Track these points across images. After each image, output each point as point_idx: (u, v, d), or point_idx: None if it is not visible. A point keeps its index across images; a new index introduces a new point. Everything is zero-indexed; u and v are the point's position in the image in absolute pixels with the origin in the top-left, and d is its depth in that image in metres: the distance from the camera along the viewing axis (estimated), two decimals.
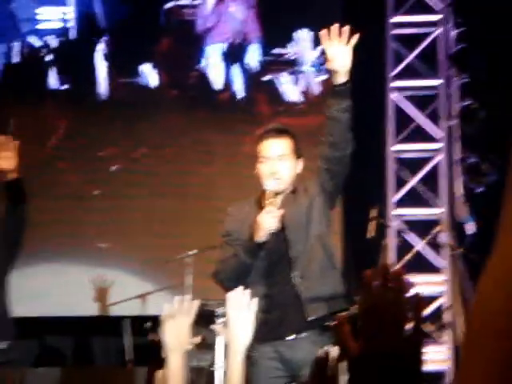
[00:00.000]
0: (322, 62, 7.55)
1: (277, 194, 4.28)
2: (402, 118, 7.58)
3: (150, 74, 7.68)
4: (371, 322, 1.26)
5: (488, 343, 0.62)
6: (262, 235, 4.19)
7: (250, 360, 4.11)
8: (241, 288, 3.24)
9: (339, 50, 4.09)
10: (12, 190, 4.35)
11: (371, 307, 1.28)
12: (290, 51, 7.66)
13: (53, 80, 7.70)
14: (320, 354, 1.88)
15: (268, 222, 4.17)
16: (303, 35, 7.63)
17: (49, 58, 7.73)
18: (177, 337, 3.14)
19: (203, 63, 7.72)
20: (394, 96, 7.61)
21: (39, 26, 7.78)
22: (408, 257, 7.29)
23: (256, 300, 3.20)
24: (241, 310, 3.15)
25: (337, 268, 4.40)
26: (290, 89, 7.64)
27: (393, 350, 1.23)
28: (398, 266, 5.38)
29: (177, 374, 3.10)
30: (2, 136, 4.40)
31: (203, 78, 7.71)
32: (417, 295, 1.31)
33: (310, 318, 4.20)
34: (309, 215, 4.30)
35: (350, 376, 1.63)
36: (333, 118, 4.17)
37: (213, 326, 3.66)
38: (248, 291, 3.22)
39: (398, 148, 7.56)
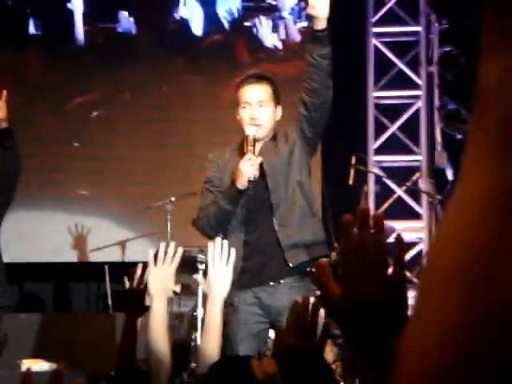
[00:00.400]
0: (301, 9, 7.50)
1: (256, 140, 4.28)
2: (383, 65, 7.56)
3: (127, 21, 7.60)
4: (352, 266, 1.25)
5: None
6: (242, 182, 4.20)
7: (231, 306, 4.15)
8: (219, 239, 3.27)
9: None
10: (6, 138, 4.42)
11: (351, 252, 1.26)
12: None
13: (31, 26, 7.60)
14: (298, 300, 1.89)
15: (248, 169, 4.19)
16: None
17: (26, 3, 7.63)
18: (162, 283, 3.18)
19: (182, 9, 7.64)
20: (374, 42, 7.58)
21: None
22: (387, 203, 7.33)
23: (234, 250, 3.24)
24: (219, 260, 3.19)
25: (317, 215, 4.43)
26: (269, 35, 7.58)
27: (375, 294, 1.23)
28: (377, 211, 5.40)
29: (160, 319, 3.13)
30: None
31: (182, 24, 7.63)
32: (398, 237, 1.30)
33: (290, 264, 4.24)
34: (289, 162, 4.31)
35: (330, 322, 1.63)
36: (313, 64, 4.18)
37: (195, 276, 3.69)
38: (226, 242, 3.26)
39: (378, 94, 7.55)
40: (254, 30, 7.61)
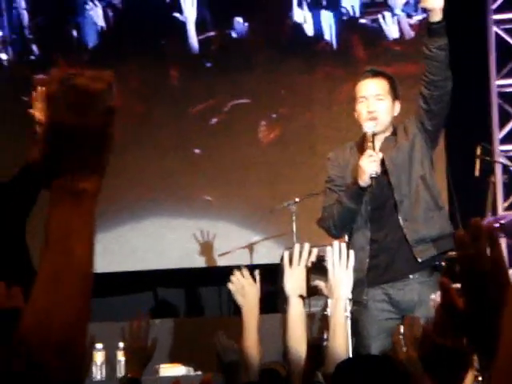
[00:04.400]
0: (413, 5, 7.41)
1: (375, 135, 4.24)
2: (505, 52, 7.38)
3: (242, 26, 7.66)
4: (470, 281, 1.27)
5: None
6: (364, 180, 4.17)
7: (361, 304, 4.14)
8: (337, 242, 3.31)
9: None
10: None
11: (467, 266, 1.28)
12: None
13: (151, 37, 7.76)
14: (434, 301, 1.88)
15: (369, 166, 4.15)
16: None
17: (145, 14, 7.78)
18: (298, 284, 3.23)
19: (296, 11, 7.65)
20: (495, 29, 7.41)
21: None
22: None
23: (353, 253, 3.28)
24: (339, 264, 3.22)
25: (442, 208, 4.37)
26: (385, 32, 7.51)
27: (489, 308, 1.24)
28: (494, 223, 5.26)
29: (298, 318, 3.18)
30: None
31: (296, 26, 7.64)
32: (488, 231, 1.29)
33: (419, 259, 4.19)
34: (411, 157, 4.27)
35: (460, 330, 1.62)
36: (430, 56, 4.15)
37: (316, 282, 3.73)
38: (344, 245, 3.30)
39: (502, 82, 7.38)
40: (370, 27, 7.55)
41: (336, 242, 3.32)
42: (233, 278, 3.44)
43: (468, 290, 1.28)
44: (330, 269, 3.26)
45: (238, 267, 3.53)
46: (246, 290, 3.38)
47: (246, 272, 3.45)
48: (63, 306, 1.14)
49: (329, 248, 3.29)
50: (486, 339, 1.25)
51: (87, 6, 7.74)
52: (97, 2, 7.75)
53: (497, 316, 1.20)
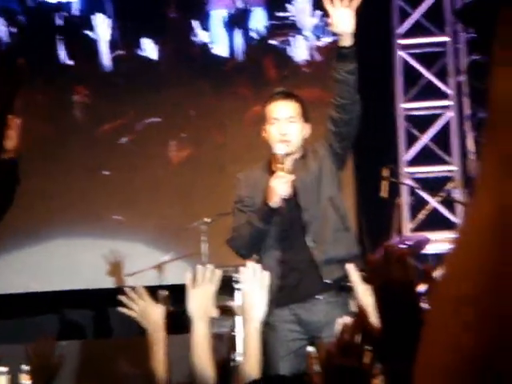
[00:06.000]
0: (321, 28, 7.52)
1: (286, 156, 4.27)
2: (411, 76, 7.54)
3: (151, 47, 7.65)
4: (382, 302, 1.29)
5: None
6: (274, 201, 4.20)
7: (269, 325, 4.15)
8: (251, 263, 3.31)
9: (342, 13, 4.09)
10: (5, 169, 4.12)
11: (379, 290, 1.30)
12: (291, 14, 7.61)
13: (60, 54, 7.68)
14: (346, 321, 1.90)
15: (280, 187, 4.18)
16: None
17: (55, 32, 7.71)
18: (201, 305, 3.21)
19: (202, 32, 7.68)
20: (401, 54, 7.57)
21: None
22: (422, 214, 7.28)
23: (267, 273, 3.26)
24: (253, 284, 3.21)
25: (350, 229, 4.41)
26: (294, 53, 7.60)
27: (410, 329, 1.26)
28: (401, 247, 5.35)
29: (203, 341, 3.15)
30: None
31: (207, 46, 7.67)
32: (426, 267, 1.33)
33: (326, 280, 4.22)
34: (319, 178, 4.31)
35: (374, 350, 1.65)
36: (340, 80, 4.18)
37: (229, 303, 3.73)
38: (259, 265, 3.29)
39: (408, 106, 7.53)
40: (280, 47, 7.63)
41: (250, 262, 3.32)
42: (131, 303, 3.38)
43: (381, 310, 1.30)
44: (243, 289, 3.25)
45: (133, 287, 3.48)
46: (148, 312, 3.34)
47: (143, 292, 3.41)
48: None
49: (243, 268, 3.28)
50: (398, 359, 1.27)
51: None
52: None
53: (410, 336, 1.23)
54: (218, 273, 3.27)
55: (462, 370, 0.60)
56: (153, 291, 6.78)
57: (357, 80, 4.21)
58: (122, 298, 3.39)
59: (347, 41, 4.13)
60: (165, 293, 6.06)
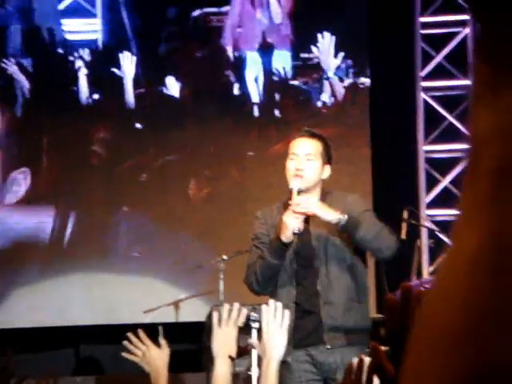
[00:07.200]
0: (348, 66, 7.56)
1: (300, 192, 4.23)
2: (432, 118, 7.55)
3: (174, 85, 7.69)
4: (399, 345, 1.29)
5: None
6: (286, 235, 4.16)
7: (284, 364, 4.11)
8: (272, 301, 3.29)
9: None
10: None
11: (397, 331, 1.29)
12: (314, 56, 7.64)
13: (84, 92, 7.74)
14: (354, 361, 1.88)
15: (292, 221, 4.14)
16: (326, 40, 7.60)
17: (78, 69, 7.77)
18: (225, 344, 3.19)
19: (230, 71, 7.73)
20: (424, 96, 7.58)
21: (67, 37, 7.82)
22: (441, 257, 7.24)
23: (288, 312, 3.24)
24: (274, 323, 3.18)
25: (363, 302, 4.34)
26: (317, 94, 7.63)
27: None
28: (419, 286, 5.32)
29: (224, 380, 3.14)
30: None
31: (228, 86, 7.71)
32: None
33: (328, 346, 4.18)
34: (333, 233, 4.24)
35: None
36: (361, 244, 4.20)
37: (249, 340, 3.72)
38: (280, 304, 3.25)
39: (429, 148, 7.53)
40: (303, 88, 7.66)
41: (271, 301, 3.29)
42: (132, 348, 3.36)
43: (396, 353, 1.29)
44: (264, 328, 3.21)
45: (135, 330, 3.44)
46: (149, 356, 3.32)
47: (144, 337, 3.38)
48: None
49: (264, 306, 3.25)
50: None
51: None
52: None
53: None
54: (244, 312, 3.27)
55: None
56: (168, 328, 6.77)
57: (373, 242, 4.16)
58: (125, 342, 3.37)
59: (332, 219, 4.10)
60: (162, 328, 6.02)
